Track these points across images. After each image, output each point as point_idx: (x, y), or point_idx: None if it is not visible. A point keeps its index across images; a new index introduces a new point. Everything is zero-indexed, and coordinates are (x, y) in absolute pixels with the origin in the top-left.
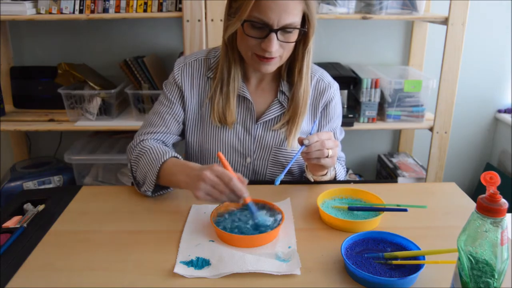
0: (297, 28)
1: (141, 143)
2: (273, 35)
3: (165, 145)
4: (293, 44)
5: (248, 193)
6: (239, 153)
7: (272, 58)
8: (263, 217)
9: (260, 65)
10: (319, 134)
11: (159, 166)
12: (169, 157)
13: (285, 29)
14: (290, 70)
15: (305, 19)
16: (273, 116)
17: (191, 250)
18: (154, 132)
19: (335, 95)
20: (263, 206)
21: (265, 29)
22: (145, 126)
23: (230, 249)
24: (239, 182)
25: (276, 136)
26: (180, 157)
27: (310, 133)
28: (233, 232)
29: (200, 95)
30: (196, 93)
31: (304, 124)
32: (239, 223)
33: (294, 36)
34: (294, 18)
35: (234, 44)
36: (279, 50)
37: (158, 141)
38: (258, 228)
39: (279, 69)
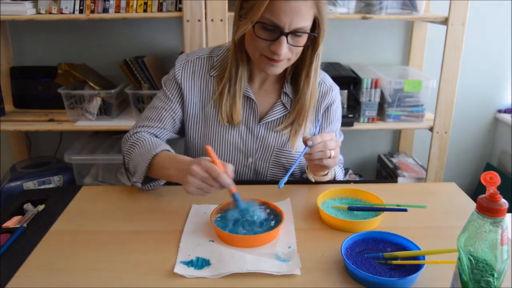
0: (308, 33)
1: (135, 134)
2: (284, 38)
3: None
4: (301, 47)
5: (234, 185)
6: (241, 152)
7: (280, 60)
8: (246, 206)
9: (268, 66)
10: (322, 135)
11: (151, 158)
12: (161, 150)
13: (295, 32)
14: (295, 72)
15: (316, 24)
16: (276, 117)
17: (191, 250)
18: (149, 126)
19: (336, 98)
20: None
21: (276, 32)
22: (141, 120)
23: (230, 249)
24: (227, 176)
25: (278, 137)
26: (172, 150)
27: (314, 134)
28: (233, 232)
29: (202, 94)
30: (198, 91)
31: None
32: (239, 223)
33: (303, 40)
34: (305, 22)
35: (243, 45)
36: (287, 53)
37: (152, 135)
38: (245, 218)
39: (284, 71)
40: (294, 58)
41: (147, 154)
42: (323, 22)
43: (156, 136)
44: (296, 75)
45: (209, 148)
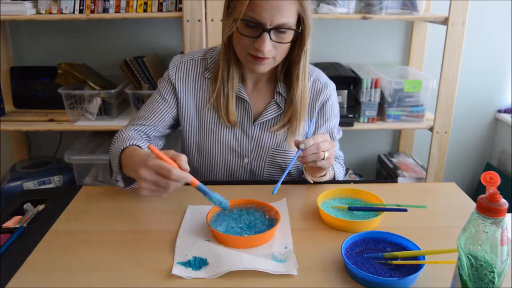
0: (291, 29)
1: (120, 132)
2: (266, 34)
3: (148, 137)
4: (287, 45)
5: (191, 177)
6: (236, 153)
7: (265, 58)
8: (218, 196)
9: (254, 65)
10: (315, 137)
11: (119, 155)
12: (127, 146)
13: (278, 29)
14: (287, 71)
15: (300, 21)
16: (270, 117)
17: (187, 250)
18: (139, 124)
19: (332, 95)
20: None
21: (258, 29)
22: (133, 119)
23: (227, 249)
24: (179, 170)
25: (273, 137)
26: (142, 145)
27: (307, 133)
28: (229, 232)
29: (196, 95)
30: (192, 92)
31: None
32: (235, 224)
33: (287, 37)
34: (287, 18)
35: (231, 44)
36: (272, 50)
37: (140, 132)
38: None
39: (275, 70)
40: (280, 56)
41: (117, 150)
42: (308, 19)
43: (145, 134)
44: (288, 74)
45: (152, 147)
